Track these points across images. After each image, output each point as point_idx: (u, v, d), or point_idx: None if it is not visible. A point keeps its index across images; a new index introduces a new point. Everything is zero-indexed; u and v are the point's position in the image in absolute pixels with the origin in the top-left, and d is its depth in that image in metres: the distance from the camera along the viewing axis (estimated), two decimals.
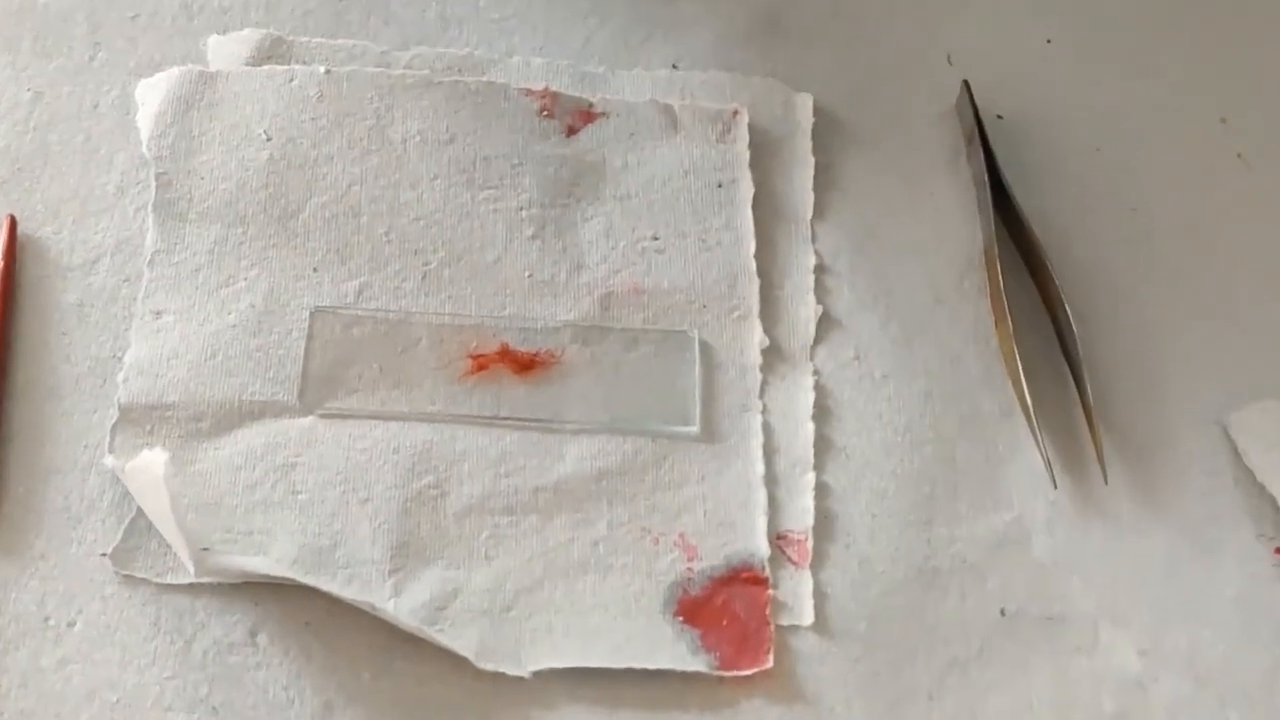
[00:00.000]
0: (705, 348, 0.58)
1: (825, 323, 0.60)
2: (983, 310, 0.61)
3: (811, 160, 0.63)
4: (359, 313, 0.57)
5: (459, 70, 0.63)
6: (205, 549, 0.51)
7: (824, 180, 0.63)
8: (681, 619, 0.53)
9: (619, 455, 0.55)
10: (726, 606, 0.53)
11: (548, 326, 0.57)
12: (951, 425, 0.58)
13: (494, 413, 0.55)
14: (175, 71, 0.61)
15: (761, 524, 0.55)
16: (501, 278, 0.58)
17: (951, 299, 0.61)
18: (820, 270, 0.61)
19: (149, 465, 0.48)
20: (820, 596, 0.54)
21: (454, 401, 0.55)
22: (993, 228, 0.61)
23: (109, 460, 0.51)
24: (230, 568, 0.51)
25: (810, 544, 0.54)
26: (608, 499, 0.54)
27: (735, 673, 0.52)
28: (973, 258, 0.62)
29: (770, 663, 0.52)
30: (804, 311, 0.60)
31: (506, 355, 0.56)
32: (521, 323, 0.57)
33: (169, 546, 0.52)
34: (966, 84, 0.64)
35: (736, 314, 0.59)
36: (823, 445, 0.57)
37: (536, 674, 0.50)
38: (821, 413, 0.58)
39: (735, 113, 0.64)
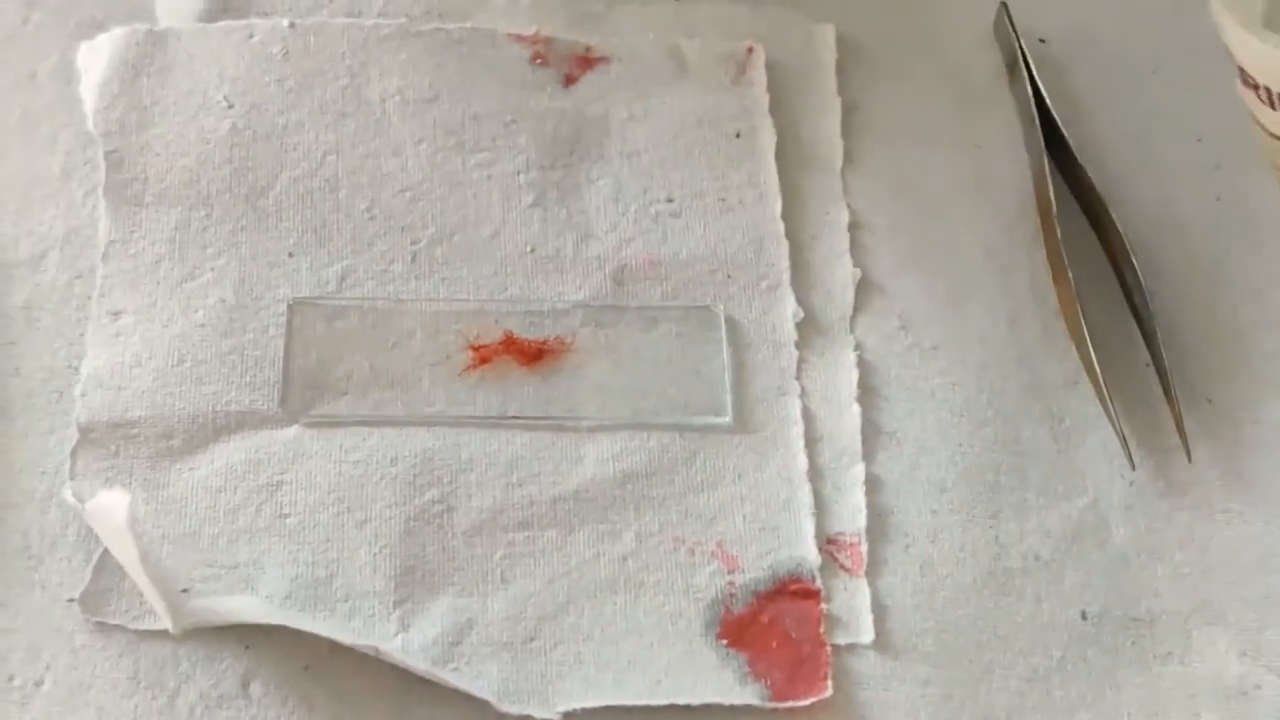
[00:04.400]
0: (733, 324, 0.54)
1: (864, 288, 0.56)
2: (1038, 263, 0.57)
3: (838, 100, 0.59)
4: (343, 302, 0.53)
5: (439, 16, 0.59)
6: (184, 590, 0.47)
7: (853, 122, 0.59)
8: (726, 642, 0.48)
9: (644, 454, 0.51)
10: (775, 625, 0.49)
11: (555, 309, 0.54)
12: (1012, 400, 0.54)
13: (501, 412, 0.52)
14: (120, 32, 0.57)
15: (809, 527, 0.51)
16: (500, 254, 0.55)
17: (1002, 252, 0.57)
18: (855, 227, 0.57)
19: (110, 510, 0.44)
20: (880, 609, 0.49)
21: (456, 401, 0.52)
22: (1044, 168, 0.57)
23: (68, 493, 0.47)
24: (214, 611, 0.47)
25: (865, 548, 0.50)
26: (634, 505, 0.51)
27: (790, 703, 0.47)
28: (1024, 203, 0.58)
29: (829, 690, 0.47)
30: (840, 276, 0.56)
31: (511, 345, 0.53)
32: (526, 305, 0.54)
33: None
34: (1004, 4, 0.60)
35: (765, 283, 0.55)
36: (871, 431, 0.53)
37: (567, 715, 0.46)
38: (867, 393, 0.54)
39: (750, 50, 0.60)
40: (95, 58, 0.56)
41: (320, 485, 0.50)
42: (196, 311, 0.52)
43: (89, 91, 0.56)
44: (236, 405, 0.51)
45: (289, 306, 0.53)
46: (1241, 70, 0.52)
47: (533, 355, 0.53)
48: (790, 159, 0.58)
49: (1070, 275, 0.54)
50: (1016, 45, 0.59)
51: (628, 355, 0.53)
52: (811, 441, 0.52)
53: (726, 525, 0.51)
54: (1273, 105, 0.52)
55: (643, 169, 0.57)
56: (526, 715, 0.46)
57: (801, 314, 0.55)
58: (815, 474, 0.52)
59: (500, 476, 0.51)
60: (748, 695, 0.47)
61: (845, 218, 0.57)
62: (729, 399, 0.53)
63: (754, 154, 0.58)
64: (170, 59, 0.57)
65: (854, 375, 0.54)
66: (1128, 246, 0.55)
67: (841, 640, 0.49)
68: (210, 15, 0.58)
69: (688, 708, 0.47)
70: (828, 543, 0.51)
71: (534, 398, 0.52)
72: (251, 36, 0.57)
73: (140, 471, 0.49)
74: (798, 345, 0.54)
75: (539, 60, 0.59)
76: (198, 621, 0.47)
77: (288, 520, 0.49)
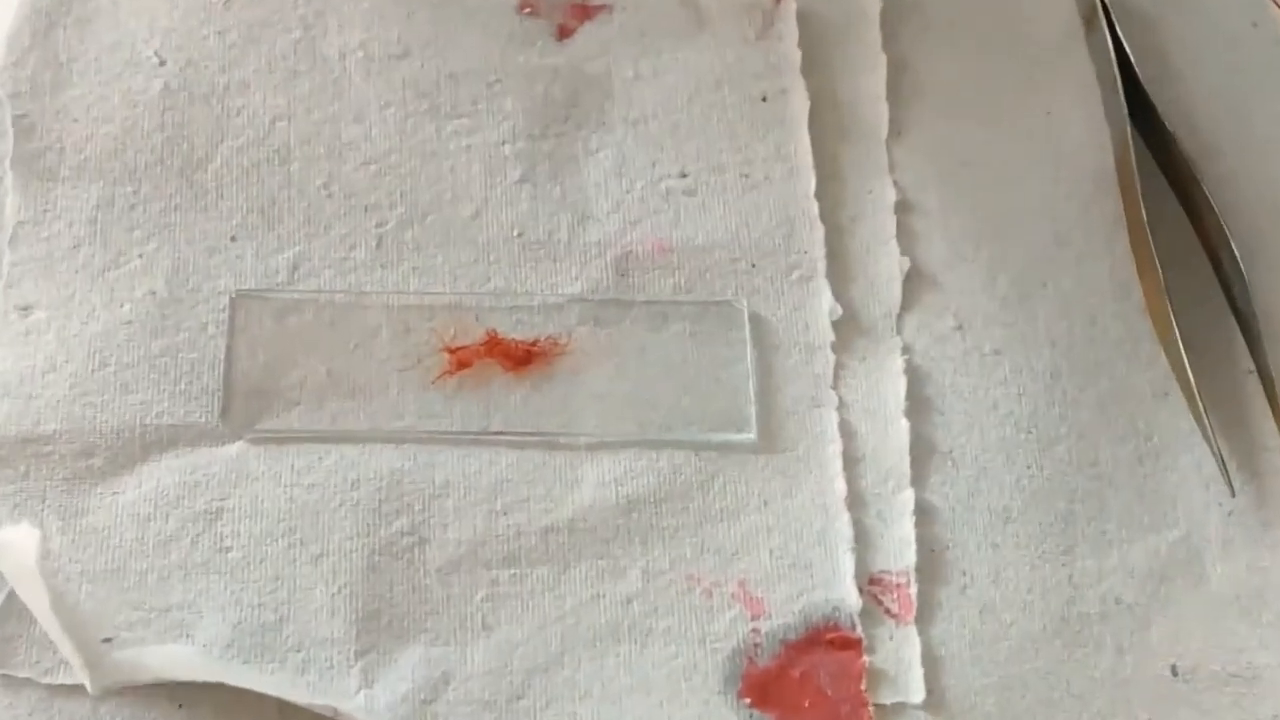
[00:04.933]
0: (758, 322, 0.55)
1: (914, 280, 0.56)
2: (1120, 251, 0.57)
3: (883, 58, 0.60)
4: (295, 295, 0.53)
5: None
6: (106, 640, 0.48)
7: (900, 85, 0.59)
8: (749, 701, 0.49)
9: (653, 476, 0.52)
10: (808, 681, 0.49)
11: (547, 303, 0.54)
12: (1089, 414, 0.54)
13: (483, 426, 0.52)
14: None
15: (848, 564, 0.51)
16: (482, 239, 0.55)
17: (1077, 238, 0.57)
18: (904, 209, 0.57)
19: (17, 544, 0.45)
20: (932, 661, 0.50)
21: (429, 413, 0.52)
22: (1126, 138, 0.57)
23: None
24: (142, 665, 0.47)
25: (914, 589, 0.51)
26: (641, 538, 0.51)
27: None
28: (1102, 181, 0.58)
29: None
30: (886, 266, 0.56)
31: (495, 346, 0.53)
32: (513, 300, 0.54)
33: None
34: None
35: (797, 274, 0.56)
36: (922, 450, 0.53)
37: None
38: (918, 405, 0.54)
39: None
40: (2, 6, 0.57)
41: (268, 513, 0.50)
42: (122, 306, 0.53)
43: None
44: (169, 418, 0.51)
45: (231, 300, 0.53)
46: None
47: (520, 358, 0.53)
48: (826, 127, 0.58)
49: (1158, 265, 0.55)
50: None
51: (633, 359, 0.54)
52: (851, 462, 0.53)
53: (750, 561, 0.51)
54: None
55: (651, 138, 0.57)
56: None
57: (839, 311, 0.55)
58: (855, 501, 0.52)
59: (482, 503, 0.51)
60: None
61: (891, 196, 0.57)
62: (753, 411, 0.53)
63: (784, 121, 0.58)
64: (91, 7, 0.57)
65: (901, 384, 0.54)
66: (1224, 230, 0.55)
67: (887, 699, 0.49)
68: None
69: None
70: (870, 583, 0.51)
71: (522, 409, 0.53)
72: None
73: (54, 496, 0.50)
74: (835, 348, 0.55)
75: (528, 9, 0.59)
76: (121, 677, 0.47)
77: (229, 554, 0.50)
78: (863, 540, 0.52)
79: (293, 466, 0.51)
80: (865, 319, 0.56)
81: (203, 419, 0.51)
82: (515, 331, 0.54)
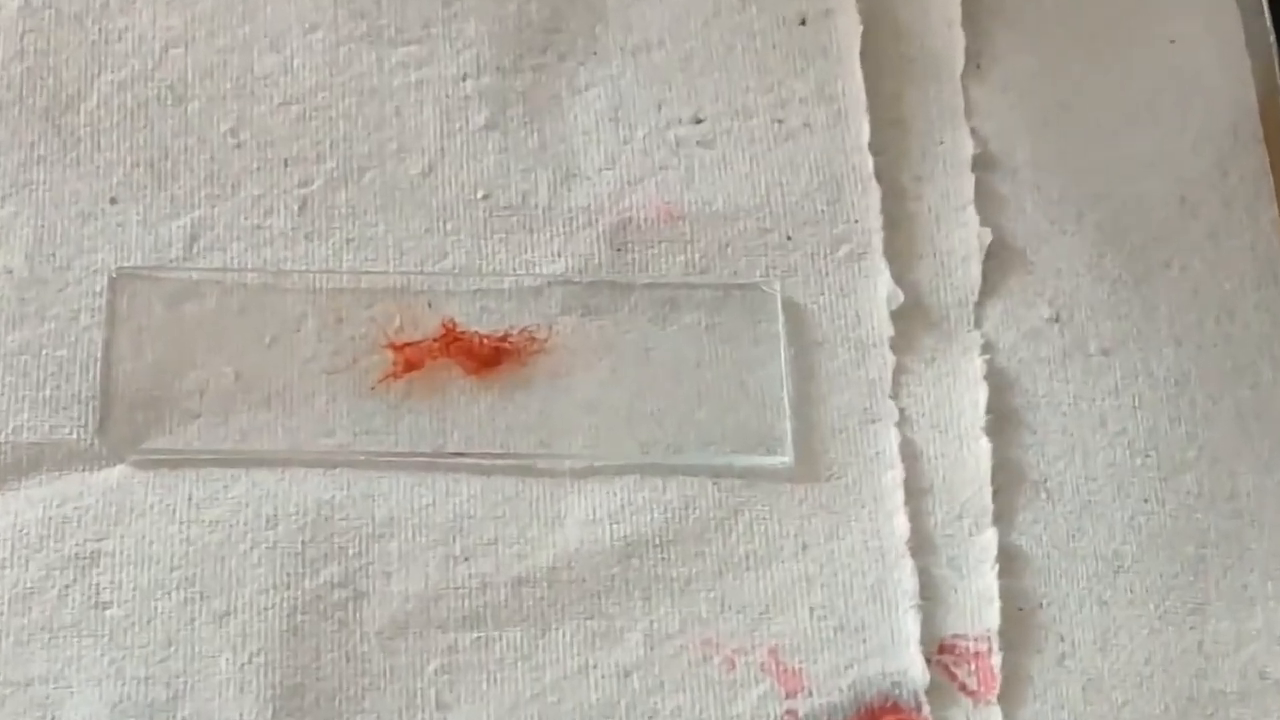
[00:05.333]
0: (795, 312, 0.55)
1: (998, 258, 0.57)
2: (1265, 221, 0.58)
3: None
4: (194, 274, 0.54)
5: None
6: None
7: (979, 6, 0.60)
8: None
9: (658, 512, 0.53)
10: None
11: (522, 286, 0.55)
12: (1225, 432, 0.55)
13: (438, 445, 0.53)
14: None
15: (911, 626, 0.51)
16: (437, 202, 0.56)
17: (1210, 205, 0.58)
18: (984, 165, 0.58)
19: None
20: None
21: (368, 429, 0.53)
22: (1276, 72, 0.59)
23: None
24: None
25: (998, 658, 0.51)
26: (643, 592, 0.52)
27: None
28: (1242, 129, 0.59)
29: None
30: (961, 239, 0.57)
31: (454, 342, 0.54)
32: (476, 282, 0.55)
33: None
34: None
35: (845, 250, 0.56)
36: (1008, 479, 0.54)
37: None
38: (1002, 421, 0.55)
39: None
40: None
41: (159, 558, 0.51)
42: None
43: None
44: (30, 434, 0.52)
45: (111, 280, 0.54)
46: None
47: (486, 358, 0.53)
48: (884, 59, 0.59)
49: None
50: None
51: (632, 359, 0.54)
52: (916, 494, 0.53)
53: (785, 623, 0.51)
54: None
55: (656, 72, 0.58)
56: None
57: (901, 297, 0.56)
58: (921, 544, 0.53)
59: (435, 545, 0.51)
60: None
61: (968, 149, 0.58)
62: (788, 428, 0.54)
63: (828, 51, 0.59)
64: None
65: (981, 393, 0.55)
66: None
67: None
68: None
69: None
70: (941, 650, 0.51)
71: (488, 424, 0.53)
72: None
73: None
74: (894, 346, 0.55)
75: None
76: None
77: (108, 612, 0.50)
78: (931, 595, 0.52)
79: (190, 498, 0.52)
80: (934, 308, 0.56)
81: (74, 435, 0.52)
82: (480, 323, 0.54)
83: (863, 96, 0.58)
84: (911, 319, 0.56)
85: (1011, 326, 0.56)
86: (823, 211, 0.57)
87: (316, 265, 0.55)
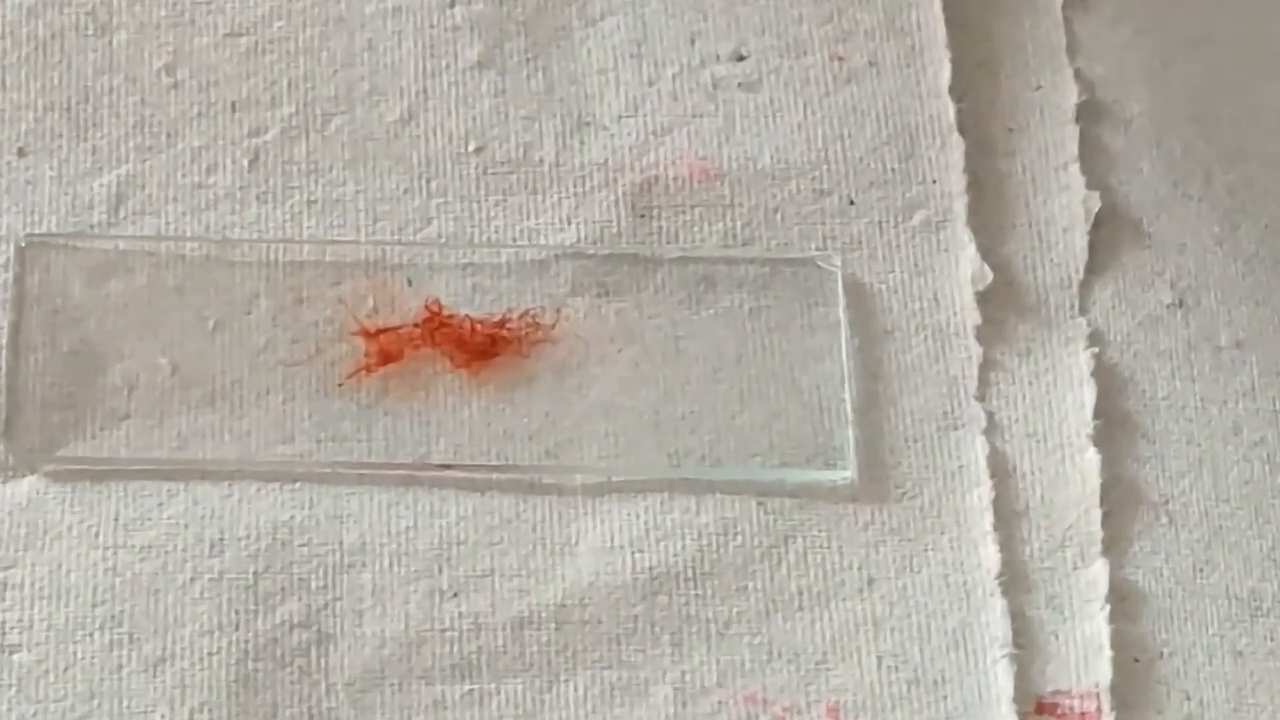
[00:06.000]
0: (859, 293, 0.56)
1: (1109, 228, 0.58)
2: None
3: None
4: (120, 243, 0.55)
5: None
6: None
7: None
8: None
9: (691, 539, 0.53)
10: None
11: (523, 260, 0.56)
12: None
13: (421, 455, 0.53)
14: None
15: (1003, 679, 0.52)
16: (418, 156, 0.57)
17: None
18: (1092, 115, 0.59)
19: None
20: None
21: (335, 434, 0.54)
22: None
23: None
24: None
25: (1110, 718, 0.51)
26: (672, 636, 0.52)
27: None
28: None
29: None
30: (1063, 205, 0.58)
31: (439, 328, 0.54)
32: (468, 254, 0.55)
33: None
34: None
35: (921, 217, 0.57)
36: (1120, 500, 0.54)
37: None
38: (1114, 428, 0.55)
39: None
40: None
41: (79, 590, 0.51)
42: None
43: None
44: None
45: (19, 250, 0.54)
46: None
47: (479, 348, 0.54)
48: None
49: None
50: None
51: (659, 350, 0.54)
52: (1008, 517, 0.54)
53: (846, 675, 0.52)
54: None
55: None
56: None
57: (989, 276, 0.56)
58: (1015, 579, 0.53)
59: (418, 577, 0.52)
60: None
61: (1073, 96, 0.59)
62: (850, 436, 0.54)
63: None
64: None
65: (1089, 394, 0.55)
66: None
67: None
68: None
69: None
70: (1040, 710, 0.52)
71: (482, 429, 0.53)
72: None
73: None
74: (981, 336, 0.55)
75: None
76: None
77: (16, 656, 0.51)
78: (1027, 642, 0.52)
79: (117, 517, 0.52)
80: (1031, 290, 0.57)
81: None
82: (471, 304, 0.54)
83: (942, 29, 0.60)
84: (1002, 303, 0.56)
85: (1124, 313, 0.57)
86: (893, 170, 0.57)
87: (271, 233, 0.55)
